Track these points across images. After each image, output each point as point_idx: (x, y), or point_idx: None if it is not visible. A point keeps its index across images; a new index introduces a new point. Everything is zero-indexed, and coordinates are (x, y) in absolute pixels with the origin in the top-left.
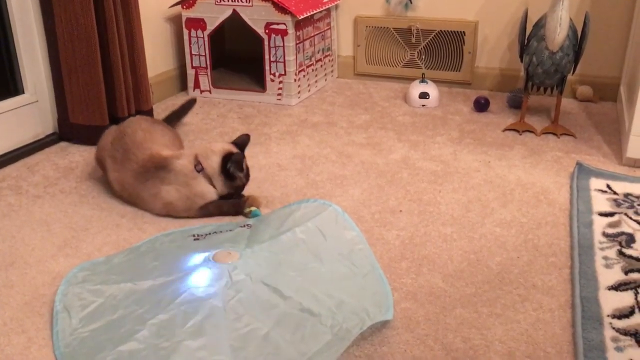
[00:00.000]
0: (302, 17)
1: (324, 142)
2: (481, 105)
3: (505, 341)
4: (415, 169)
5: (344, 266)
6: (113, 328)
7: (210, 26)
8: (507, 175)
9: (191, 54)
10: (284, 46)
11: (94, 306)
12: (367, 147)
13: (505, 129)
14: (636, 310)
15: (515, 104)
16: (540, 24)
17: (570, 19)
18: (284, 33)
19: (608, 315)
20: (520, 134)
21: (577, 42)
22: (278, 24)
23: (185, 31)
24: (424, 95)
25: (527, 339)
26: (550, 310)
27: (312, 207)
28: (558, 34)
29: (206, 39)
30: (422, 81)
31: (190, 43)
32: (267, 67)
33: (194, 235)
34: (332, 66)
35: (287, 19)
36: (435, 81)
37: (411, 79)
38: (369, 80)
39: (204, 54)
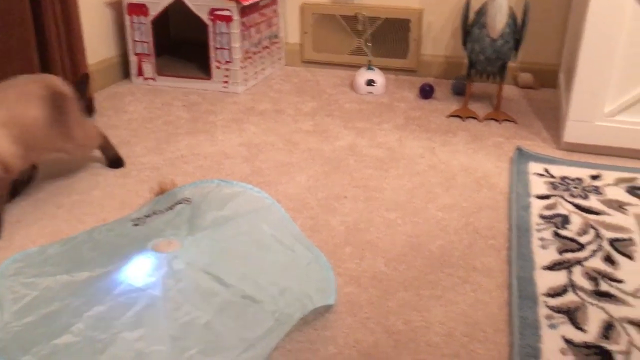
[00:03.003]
0: (247, 3)
1: (270, 129)
2: (426, 92)
3: (444, 322)
4: (362, 155)
5: (286, 255)
6: (48, 321)
7: (153, 12)
8: (450, 160)
9: (133, 41)
10: (229, 33)
11: (27, 299)
12: (314, 134)
13: (449, 115)
14: (569, 288)
15: (459, 91)
16: (481, 12)
17: (510, 7)
18: (228, 19)
19: (543, 294)
20: (464, 120)
21: (518, 30)
22: (223, 10)
23: (127, 17)
24: (370, 83)
25: (466, 319)
26: (488, 290)
27: (256, 199)
28: (499, 21)
29: (149, 25)
30: (369, 68)
31: (132, 29)
32: (212, 54)
33: (133, 221)
34: (279, 53)
35: (232, 5)
36: (381, 69)
37: (358, 67)
38: (317, 68)
39: (147, 41)
